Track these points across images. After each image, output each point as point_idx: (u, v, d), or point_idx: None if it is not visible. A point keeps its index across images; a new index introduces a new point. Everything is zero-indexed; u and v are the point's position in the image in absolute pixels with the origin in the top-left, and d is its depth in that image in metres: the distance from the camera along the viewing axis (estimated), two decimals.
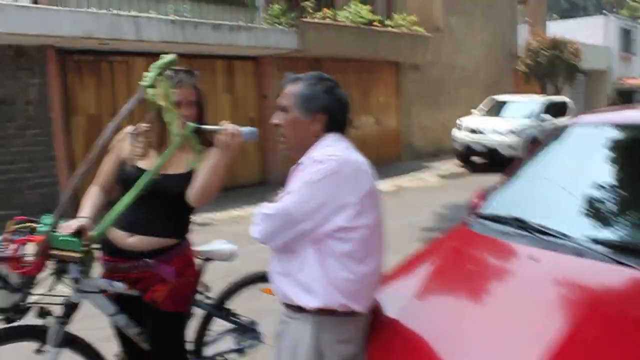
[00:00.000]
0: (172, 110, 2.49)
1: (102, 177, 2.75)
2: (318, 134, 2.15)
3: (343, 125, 2.20)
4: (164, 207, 2.63)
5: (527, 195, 2.96)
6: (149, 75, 2.47)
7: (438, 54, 16.70)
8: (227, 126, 2.47)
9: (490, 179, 12.37)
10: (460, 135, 14.50)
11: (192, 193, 2.57)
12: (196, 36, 9.84)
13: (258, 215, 2.09)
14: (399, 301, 2.31)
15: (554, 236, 2.43)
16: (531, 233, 2.51)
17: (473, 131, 14.26)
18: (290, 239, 2.03)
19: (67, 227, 2.40)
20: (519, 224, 2.61)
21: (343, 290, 2.02)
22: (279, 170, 12.28)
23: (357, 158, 2.12)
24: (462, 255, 2.66)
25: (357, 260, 2.04)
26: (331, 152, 2.07)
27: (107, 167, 2.74)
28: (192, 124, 2.54)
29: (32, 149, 8.82)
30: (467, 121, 14.74)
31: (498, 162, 13.84)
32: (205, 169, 2.54)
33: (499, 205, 2.93)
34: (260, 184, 12.21)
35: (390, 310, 2.27)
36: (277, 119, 2.19)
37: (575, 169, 2.97)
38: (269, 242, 2.10)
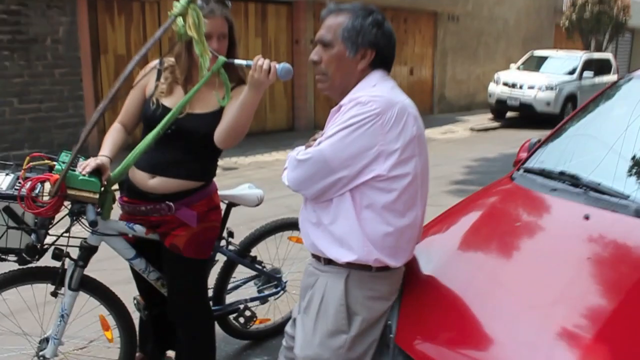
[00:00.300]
0: (202, 42, 2.26)
1: (125, 114, 2.59)
2: (364, 71, 1.93)
3: (390, 63, 1.98)
4: (189, 148, 2.46)
5: (579, 150, 2.72)
6: (178, 3, 2.23)
7: (479, 5, 16.09)
8: (261, 61, 2.22)
9: (522, 135, 12.16)
10: (497, 89, 14.08)
11: (219, 133, 2.39)
12: None
13: (291, 161, 1.90)
14: (436, 255, 2.14)
15: (610, 195, 2.21)
16: (584, 190, 2.30)
17: (510, 85, 13.82)
18: (325, 188, 1.84)
19: (86, 165, 2.25)
20: (571, 179, 2.39)
21: (379, 245, 1.84)
22: (308, 117, 12.10)
23: (404, 99, 1.88)
24: (506, 209, 2.47)
25: (398, 213, 1.85)
26: (376, 92, 1.85)
27: (130, 104, 2.58)
28: (222, 58, 2.32)
29: (61, 88, 8.72)
30: (504, 75, 14.27)
31: (531, 118, 13.52)
32: (233, 108, 2.34)
33: (547, 159, 2.71)
34: (288, 130, 12.04)
35: (426, 265, 2.11)
36: (316, 55, 1.95)
37: (631, 126, 2.72)
38: (301, 190, 1.91)
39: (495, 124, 13.90)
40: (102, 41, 9.30)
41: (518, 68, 14.88)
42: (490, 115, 14.72)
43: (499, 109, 14.24)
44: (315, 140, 1.90)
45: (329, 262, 1.90)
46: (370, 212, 1.83)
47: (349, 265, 1.86)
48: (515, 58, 16.93)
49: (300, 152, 1.90)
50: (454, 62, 15.98)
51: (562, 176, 2.45)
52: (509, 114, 14.43)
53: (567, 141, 2.82)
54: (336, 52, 1.91)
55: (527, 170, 2.68)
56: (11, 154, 8.40)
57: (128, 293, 2.79)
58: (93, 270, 2.51)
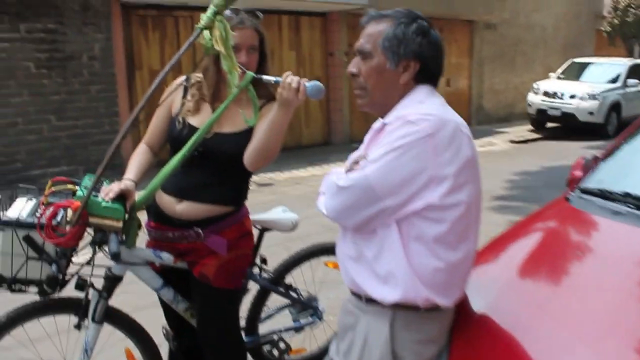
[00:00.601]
0: (230, 57, 2.10)
1: (151, 134, 2.46)
2: (408, 86, 1.74)
3: (436, 77, 1.78)
4: (218, 171, 2.31)
5: None
6: (205, 15, 2.09)
7: (516, 12, 15.74)
8: (289, 78, 2.06)
9: (565, 146, 11.73)
10: (536, 99, 13.71)
11: (248, 155, 2.24)
12: None
13: (330, 187, 1.70)
14: (489, 290, 1.93)
15: None
16: None
17: (550, 95, 13.44)
18: (369, 218, 1.63)
19: (109, 191, 2.12)
20: (636, 202, 2.16)
21: (429, 282, 1.64)
22: (344, 131, 11.95)
23: (456, 118, 1.67)
24: (562, 236, 2.25)
25: (450, 246, 1.64)
26: (425, 110, 1.64)
27: (156, 123, 2.45)
28: (250, 74, 2.16)
29: (97, 104, 8.76)
30: (544, 85, 13.90)
31: (574, 129, 13.11)
32: (263, 128, 2.19)
33: (607, 178, 2.47)
34: (324, 145, 11.90)
35: (478, 300, 1.89)
36: (354, 67, 1.76)
37: None
38: (341, 221, 1.72)
39: (536, 135, 13.53)
40: (137, 57, 9.33)
41: (558, 77, 14.48)
42: (529, 126, 14.33)
43: (539, 119, 13.86)
44: (357, 163, 1.70)
45: (371, 300, 1.70)
46: (419, 245, 1.63)
47: (395, 306, 1.66)
48: (554, 66, 16.49)
49: (340, 177, 1.68)
50: (492, 71, 15.65)
51: (626, 198, 2.22)
52: (550, 125, 14.03)
53: (630, 157, 2.58)
54: (376, 64, 1.72)
55: (584, 191, 2.45)
56: (48, 170, 8.44)
57: (156, 318, 2.64)
58: (118, 293, 2.36)
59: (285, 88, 2.05)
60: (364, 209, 1.62)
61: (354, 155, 1.92)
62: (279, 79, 2.09)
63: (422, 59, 1.71)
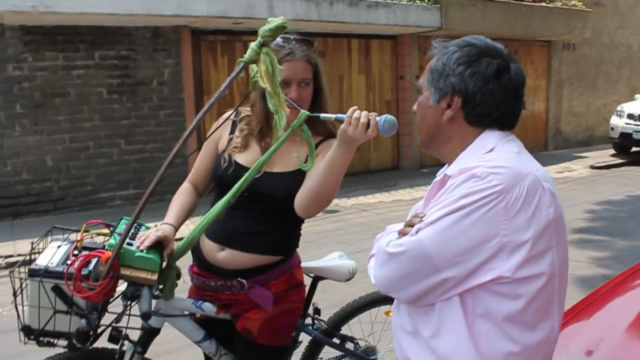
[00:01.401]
0: (277, 94, 1.86)
1: (195, 172, 2.28)
2: (459, 127, 1.45)
3: (504, 117, 1.45)
4: (265, 215, 2.09)
5: None
6: (250, 47, 1.87)
7: (598, 31, 15.00)
8: (357, 113, 1.77)
9: None
10: (620, 122, 12.91)
11: (300, 199, 1.99)
12: (331, 14, 9.36)
13: (379, 253, 1.44)
14: None
15: None
16: None
17: (635, 118, 12.64)
18: (425, 290, 1.37)
19: (145, 238, 1.93)
20: None
21: None
22: (414, 156, 11.65)
23: (535, 169, 1.39)
24: None
25: (527, 326, 1.35)
26: (495, 161, 1.36)
27: (202, 161, 2.27)
28: (305, 112, 1.91)
29: (165, 129, 8.84)
30: (628, 107, 13.10)
31: None
32: (319, 168, 1.92)
33: None
34: (393, 169, 11.61)
35: None
36: (415, 104, 1.55)
37: None
38: (392, 293, 1.46)
39: (619, 160, 12.73)
40: (206, 82, 9.39)
41: None
42: (612, 151, 13.52)
43: (623, 143, 13.04)
44: (411, 225, 1.41)
45: None
46: (488, 324, 1.35)
47: None
48: None
49: (391, 240, 1.42)
50: (571, 93, 14.94)
51: None
52: (635, 149, 13.19)
53: None
54: (422, 100, 1.52)
55: None
56: (117, 194, 8.58)
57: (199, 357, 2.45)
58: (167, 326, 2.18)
59: (352, 124, 1.77)
60: (419, 281, 1.36)
61: (416, 207, 1.67)
62: (340, 115, 1.83)
63: (463, 93, 1.42)
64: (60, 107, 8.12)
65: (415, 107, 1.54)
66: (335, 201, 8.55)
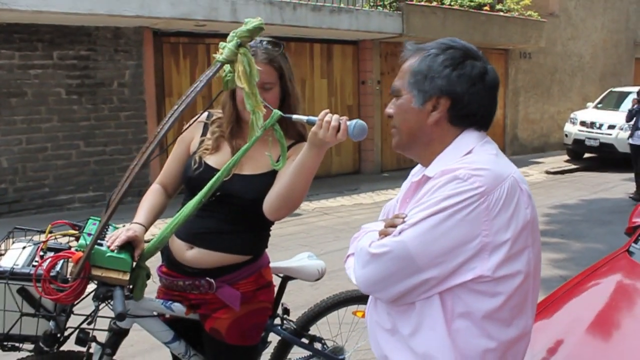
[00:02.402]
0: (254, 95, 1.88)
1: (165, 173, 2.27)
2: (442, 129, 1.48)
3: (483, 117, 1.50)
4: (234, 216, 2.10)
5: None
6: (226, 47, 1.87)
7: (552, 41, 15.42)
8: (328, 116, 1.79)
9: (604, 178, 11.33)
10: (573, 129, 13.31)
11: (269, 201, 2.00)
12: (295, 18, 9.38)
13: (360, 253, 1.45)
14: None
15: None
16: None
17: (588, 125, 13.04)
18: (407, 290, 1.39)
19: (115, 238, 1.92)
20: None
21: None
22: (375, 160, 11.75)
23: (513, 171, 1.42)
24: (628, 297, 1.98)
25: (503, 323, 1.39)
26: (476, 163, 1.39)
27: (172, 162, 2.26)
28: (278, 112, 1.93)
29: (125, 130, 8.72)
30: (581, 114, 13.52)
31: (612, 160, 12.68)
32: (289, 171, 1.94)
33: None
34: (354, 174, 11.68)
35: None
36: (390, 107, 1.55)
37: None
38: (374, 293, 1.47)
39: (573, 166, 13.11)
40: (167, 84, 9.29)
41: (596, 106, 14.07)
42: (566, 157, 13.93)
43: (577, 150, 13.45)
44: (393, 225, 1.42)
45: None
46: (466, 322, 1.38)
47: None
48: (592, 96, 16.09)
49: (373, 241, 1.43)
50: (526, 100, 15.31)
51: None
52: (587, 155, 13.60)
53: None
54: (402, 102, 1.51)
55: None
56: (76, 196, 8.41)
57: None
58: (137, 329, 2.15)
59: (322, 127, 1.79)
60: (401, 281, 1.38)
61: (388, 206, 1.70)
62: (312, 118, 1.85)
63: (452, 94, 1.45)
64: (16, 107, 7.92)
65: (391, 110, 1.54)
66: None
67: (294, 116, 1.96)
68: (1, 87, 7.81)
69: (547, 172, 12.38)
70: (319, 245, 6.26)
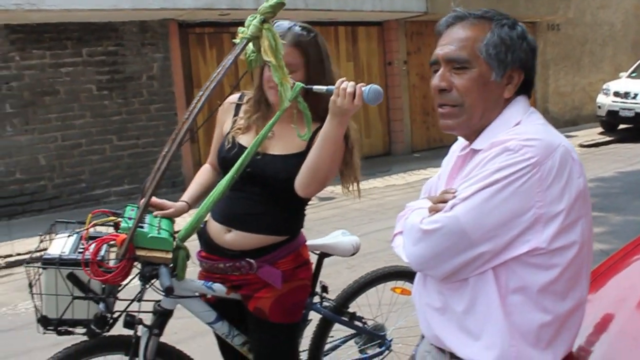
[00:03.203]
0: (281, 67, 1.92)
1: (211, 153, 2.36)
2: (507, 102, 1.45)
3: (531, 88, 1.51)
4: (269, 197, 2.13)
5: None
6: (251, 24, 1.91)
7: (581, 11, 15.09)
8: (344, 84, 1.84)
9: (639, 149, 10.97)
10: (606, 100, 13.01)
11: (299, 178, 2.02)
12: (318, 2, 9.36)
13: (411, 230, 1.41)
14: (599, 343, 1.64)
15: None
16: None
17: (622, 95, 12.74)
18: (460, 266, 1.36)
19: (160, 212, 2.06)
20: None
21: (532, 340, 1.36)
22: (405, 141, 11.69)
23: (564, 141, 1.37)
24: None
25: (559, 296, 1.36)
26: (526, 133, 1.35)
27: (215, 143, 2.33)
28: (299, 84, 1.95)
29: (156, 123, 8.84)
30: (614, 85, 13.20)
31: None
32: (315, 145, 1.98)
33: None
34: (384, 155, 11.66)
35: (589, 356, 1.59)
36: (444, 80, 1.45)
37: None
38: (427, 270, 1.44)
39: (607, 138, 12.84)
40: (195, 75, 9.37)
41: (629, 76, 13.73)
42: (599, 129, 13.63)
43: (610, 121, 13.14)
44: (443, 201, 1.38)
45: (456, 356, 1.44)
46: (521, 296, 1.35)
47: None
48: (624, 65, 15.69)
49: (424, 218, 1.39)
50: (556, 73, 15.03)
51: None
52: (622, 126, 13.31)
53: None
54: (477, 75, 1.42)
55: None
56: (112, 190, 8.57)
57: (215, 345, 2.49)
58: (180, 316, 2.21)
59: (339, 95, 1.83)
60: (455, 257, 1.35)
61: (430, 183, 1.68)
62: (331, 88, 1.88)
63: (525, 68, 1.45)
64: (50, 106, 8.09)
65: (444, 84, 1.44)
66: (330, 188, 8.55)
67: (315, 87, 1.98)
68: (35, 86, 7.98)
69: (581, 146, 12.14)
70: (354, 228, 6.27)
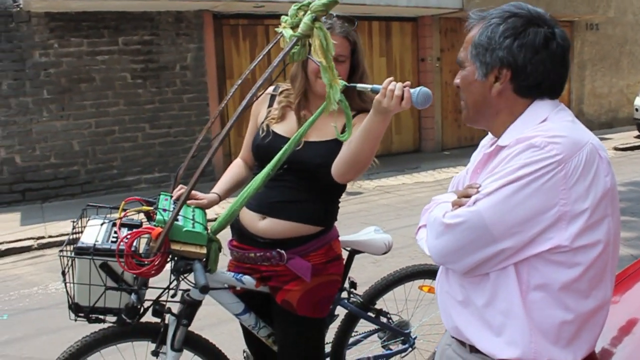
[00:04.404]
0: (331, 68, 1.91)
1: (244, 147, 2.38)
2: (508, 100, 1.44)
3: (550, 87, 1.44)
4: (303, 184, 2.14)
5: None
6: (303, 22, 1.90)
7: (622, 10, 14.74)
8: (392, 85, 1.82)
9: None
10: None
11: (338, 164, 2.03)
12: None
13: (434, 224, 1.42)
14: (622, 345, 1.62)
15: None
16: None
17: None
18: (482, 261, 1.36)
19: (193, 201, 2.09)
20: None
21: (553, 338, 1.35)
22: (436, 138, 11.61)
23: (592, 138, 1.36)
24: None
25: (581, 294, 1.35)
26: (552, 130, 1.34)
27: (248, 137, 2.35)
28: (342, 82, 1.95)
29: (188, 113, 8.92)
30: None
31: None
32: (355, 136, 1.97)
33: None
34: (414, 152, 11.59)
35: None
36: (457, 78, 1.52)
37: None
38: (448, 264, 1.45)
39: None
40: (228, 66, 9.42)
41: None
42: (636, 132, 13.35)
43: None
44: (467, 195, 1.38)
45: (477, 350, 1.45)
46: (542, 293, 1.35)
47: None
48: None
49: (447, 211, 1.40)
50: (593, 74, 14.74)
51: None
52: None
53: None
54: (465, 74, 1.48)
55: None
56: (143, 177, 8.68)
57: (238, 333, 2.51)
58: (206, 302, 2.23)
59: (386, 96, 1.82)
60: (476, 252, 1.35)
61: (457, 178, 1.69)
62: (376, 86, 1.88)
63: (513, 65, 1.40)
64: (85, 92, 8.22)
65: (457, 80, 1.52)
66: (358, 183, 8.59)
67: (359, 85, 1.99)
68: (72, 73, 8.11)
69: (616, 149, 11.91)
70: (381, 224, 6.23)
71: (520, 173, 1.30)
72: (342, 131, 2.05)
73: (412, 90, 1.82)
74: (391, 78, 1.86)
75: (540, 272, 1.34)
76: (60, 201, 8.06)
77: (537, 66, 1.40)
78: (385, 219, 6.66)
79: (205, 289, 1.92)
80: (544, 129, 1.36)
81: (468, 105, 1.51)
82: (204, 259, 2.03)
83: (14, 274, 5.51)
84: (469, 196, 1.38)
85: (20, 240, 6.32)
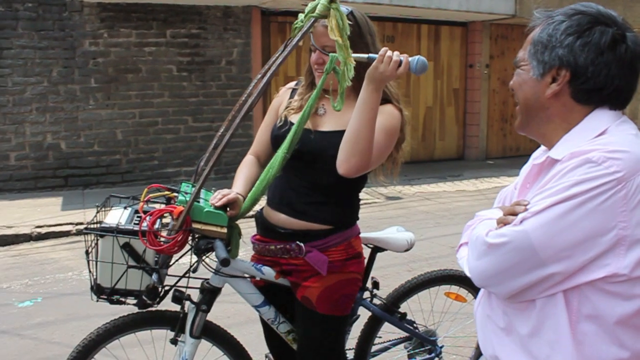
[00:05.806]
0: (346, 47, 1.90)
1: (257, 143, 2.33)
2: (564, 106, 1.30)
3: (618, 93, 1.29)
4: (318, 178, 2.09)
5: None
6: (319, 2, 1.90)
7: None
8: (390, 52, 1.84)
9: None
10: None
11: (339, 154, 1.96)
12: None
13: (476, 243, 1.30)
14: None
15: None
16: None
17: None
18: (527, 285, 1.24)
19: (221, 196, 2.00)
20: None
21: None
22: (480, 146, 11.40)
23: None
24: None
25: (639, 331, 1.22)
26: (612, 145, 1.20)
27: (263, 131, 2.31)
28: (335, 55, 1.92)
29: (231, 108, 8.90)
30: None
31: None
32: (351, 118, 1.94)
33: None
34: (457, 159, 11.40)
35: None
36: (512, 80, 1.42)
37: None
38: (490, 288, 1.33)
39: None
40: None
41: None
42: None
43: None
44: (514, 213, 1.26)
45: None
46: (594, 326, 1.22)
47: None
48: None
49: (491, 230, 1.29)
50: None
51: None
52: None
53: None
54: (521, 73, 1.37)
55: None
56: (182, 169, 8.75)
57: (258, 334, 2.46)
58: (234, 301, 2.19)
59: (383, 62, 1.84)
60: (521, 276, 1.23)
61: (504, 192, 1.56)
62: (372, 55, 1.88)
63: (573, 66, 1.27)
64: (131, 83, 8.34)
65: (512, 82, 1.41)
66: (398, 188, 8.48)
67: (355, 55, 1.95)
68: (119, 63, 8.24)
69: None
70: (419, 231, 6.13)
71: (574, 191, 1.17)
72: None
73: (410, 58, 1.86)
74: (386, 48, 1.88)
75: (593, 302, 1.22)
76: (101, 189, 8.19)
77: (600, 69, 1.27)
78: (424, 226, 6.53)
79: (225, 262, 1.89)
80: (603, 142, 1.23)
81: (521, 107, 1.39)
82: (225, 241, 2.00)
83: (51, 258, 5.61)
84: (515, 214, 1.25)
85: (60, 224, 6.44)
